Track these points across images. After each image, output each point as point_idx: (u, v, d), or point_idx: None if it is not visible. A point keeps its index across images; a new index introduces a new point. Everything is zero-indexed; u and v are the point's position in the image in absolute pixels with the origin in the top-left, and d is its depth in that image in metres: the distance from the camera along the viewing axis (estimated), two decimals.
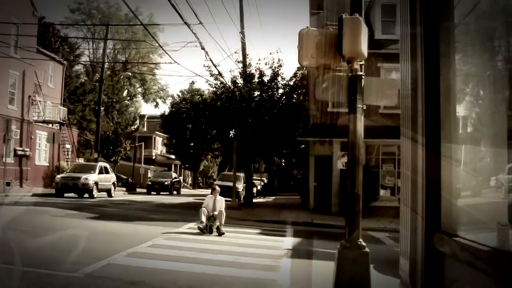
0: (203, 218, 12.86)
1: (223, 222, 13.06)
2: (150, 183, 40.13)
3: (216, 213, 13.03)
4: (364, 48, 6.30)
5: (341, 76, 6.53)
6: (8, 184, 27.42)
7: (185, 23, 16.78)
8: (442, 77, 3.32)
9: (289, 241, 12.75)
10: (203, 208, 13.11)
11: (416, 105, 3.51)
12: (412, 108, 3.53)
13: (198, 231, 12.83)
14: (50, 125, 35.82)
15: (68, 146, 38.41)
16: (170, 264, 8.45)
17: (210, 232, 12.79)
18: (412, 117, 3.49)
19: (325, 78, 6.56)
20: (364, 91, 6.42)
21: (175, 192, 40.86)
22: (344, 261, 5.99)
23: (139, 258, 8.80)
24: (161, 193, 38.59)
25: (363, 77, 6.45)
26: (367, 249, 6.08)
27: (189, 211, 20.35)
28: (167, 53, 41.25)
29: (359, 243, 6.07)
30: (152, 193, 38.25)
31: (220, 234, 12.69)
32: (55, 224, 13.15)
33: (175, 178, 43.04)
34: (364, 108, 6.49)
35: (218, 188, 13.90)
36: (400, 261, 3.11)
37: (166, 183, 39.60)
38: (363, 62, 6.65)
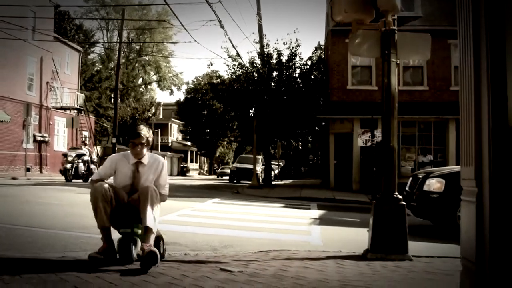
0: (104, 219, 4.78)
1: (155, 231, 4.67)
2: None
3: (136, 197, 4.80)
4: (398, 1, 6.26)
5: (374, 32, 6.49)
6: (28, 169, 27.69)
7: (206, 0, 16.78)
8: None
9: (314, 213, 12.74)
10: (100, 187, 4.77)
11: None
12: None
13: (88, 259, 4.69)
14: (68, 111, 36.10)
15: (85, 133, 38.74)
16: (201, 229, 8.53)
17: (127, 258, 4.59)
18: None
19: (358, 34, 6.53)
20: (397, 45, 6.38)
21: None
22: (380, 213, 5.97)
23: (170, 224, 8.83)
24: None
25: (396, 31, 6.40)
26: (403, 202, 6.06)
27: (211, 191, 20.50)
28: (187, 31, 41.47)
29: (395, 196, 6.04)
30: None
31: (146, 262, 4.27)
32: (82, 199, 13.26)
33: None
34: (398, 62, 6.46)
35: (148, 139, 4.91)
36: (462, 171, 3.04)
37: None
38: (396, 17, 6.60)
